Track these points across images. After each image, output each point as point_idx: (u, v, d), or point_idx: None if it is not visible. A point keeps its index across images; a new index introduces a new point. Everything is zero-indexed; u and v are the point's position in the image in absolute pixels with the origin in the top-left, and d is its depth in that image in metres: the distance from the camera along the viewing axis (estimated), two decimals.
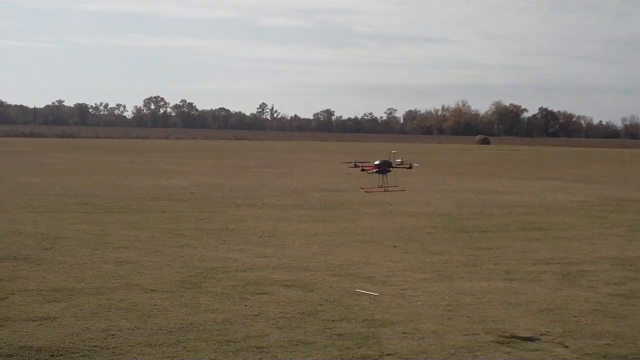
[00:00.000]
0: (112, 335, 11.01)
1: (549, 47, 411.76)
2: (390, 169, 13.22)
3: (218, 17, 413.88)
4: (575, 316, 12.81)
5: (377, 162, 13.27)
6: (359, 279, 14.87)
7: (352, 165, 13.89)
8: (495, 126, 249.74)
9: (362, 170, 13.37)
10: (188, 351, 10.28)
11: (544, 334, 11.59)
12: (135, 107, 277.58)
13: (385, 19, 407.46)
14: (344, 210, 28.26)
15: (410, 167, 13.65)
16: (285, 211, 27.69)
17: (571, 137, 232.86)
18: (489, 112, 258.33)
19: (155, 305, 12.92)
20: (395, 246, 20.08)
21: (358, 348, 10.63)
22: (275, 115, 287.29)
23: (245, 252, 18.51)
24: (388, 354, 10.37)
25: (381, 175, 13.26)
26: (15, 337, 10.81)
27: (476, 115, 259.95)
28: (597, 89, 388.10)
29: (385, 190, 13.04)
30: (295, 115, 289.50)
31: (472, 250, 19.73)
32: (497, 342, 11.08)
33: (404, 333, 11.49)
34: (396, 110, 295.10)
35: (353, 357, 10.19)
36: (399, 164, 13.42)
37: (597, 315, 12.88)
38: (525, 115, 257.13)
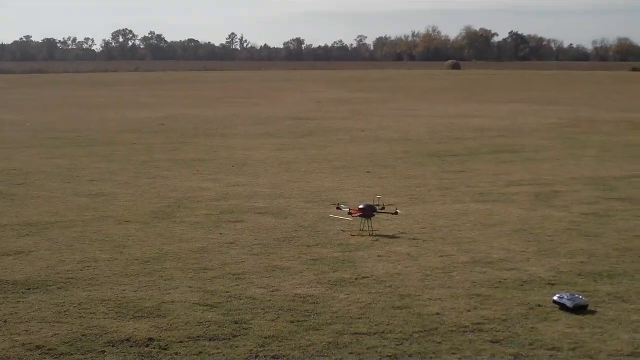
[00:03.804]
0: (88, 266, 10.98)
1: None
2: (374, 213, 13.01)
3: None
4: (549, 235, 12.88)
5: (361, 206, 13.10)
6: (332, 205, 14.87)
7: (336, 208, 13.78)
8: (466, 51, 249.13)
9: (349, 214, 13.20)
10: (164, 280, 10.27)
11: (519, 254, 11.66)
12: (104, 40, 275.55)
13: None
14: (316, 138, 28.27)
15: (395, 213, 13.43)
16: (257, 140, 27.65)
17: (542, 60, 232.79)
18: (459, 37, 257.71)
19: (130, 236, 12.89)
20: (368, 172, 20.10)
21: (334, 272, 10.65)
22: (244, 45, 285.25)
23: (218, 182, 18.47)
24: (364, 277, 10.40)
25: (364, 219, 13.04)
26: None
27: (446, 40, 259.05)
28: (567, 12, 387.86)
29: (370, 234, 12.86)
30: (265, 44, 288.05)
31: (445, 173, 19.78)
32: (472, 262, 11.13)
33: (379, 256, 11.52)
34: (366, 37, 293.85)
35: (329, 280, 10.22)
36: (382, 209, 13.23)
37: (570, 234, 12.95)
38: (496, 39, 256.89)
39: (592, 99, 53.42)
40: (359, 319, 8.75)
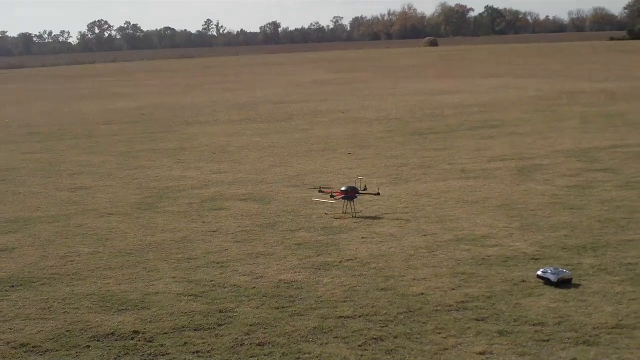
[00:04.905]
0: (71, 261, 10.92)
1: None
2: (357, 195, 12.94)
3: None
4: (532, 210, 12.88)
5: (343, 188, 13.03)
6: (315, 189, 14.83)
7: (318, 191, 13.74)
8: (442, 27, 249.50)
9: (332, 196, 13.14)
10: (148, 271, 10.23)
11: (502, 229, 11.66)
12: (80, 32, 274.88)
13: None
14: (296, 121, 28.22)
15: (378, 194, 13.39)
16: (237, 126, 27.58)
17: (519, 33, 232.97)
18: (435, 14, 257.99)
19: (113, 228, 12.83)
20: (349, 153, 20.08)
21: (318, 256, 10.63)
22: (221, 31, 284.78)
23: (200, 170, 18.42)
24: (348, 259, 10.38)
25: (347, 201, 12.98)
26: None
27: (422, 17, 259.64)
28: None
29: (353, 216, 12.80)
30: (242, 29, 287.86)
31: (427, 151, 19.78)
32: (456, 240, 11.13)
33: (362, 238, 11.51)
34: (342, 17, 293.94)
35: (313, 264, 10.20)
36: (364, 190, 13.17)
37: (553, 208, 12.97)
38: (472, 14, 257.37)
39: (570, 70, 53.46)
40: (344, 302, 8.74)
